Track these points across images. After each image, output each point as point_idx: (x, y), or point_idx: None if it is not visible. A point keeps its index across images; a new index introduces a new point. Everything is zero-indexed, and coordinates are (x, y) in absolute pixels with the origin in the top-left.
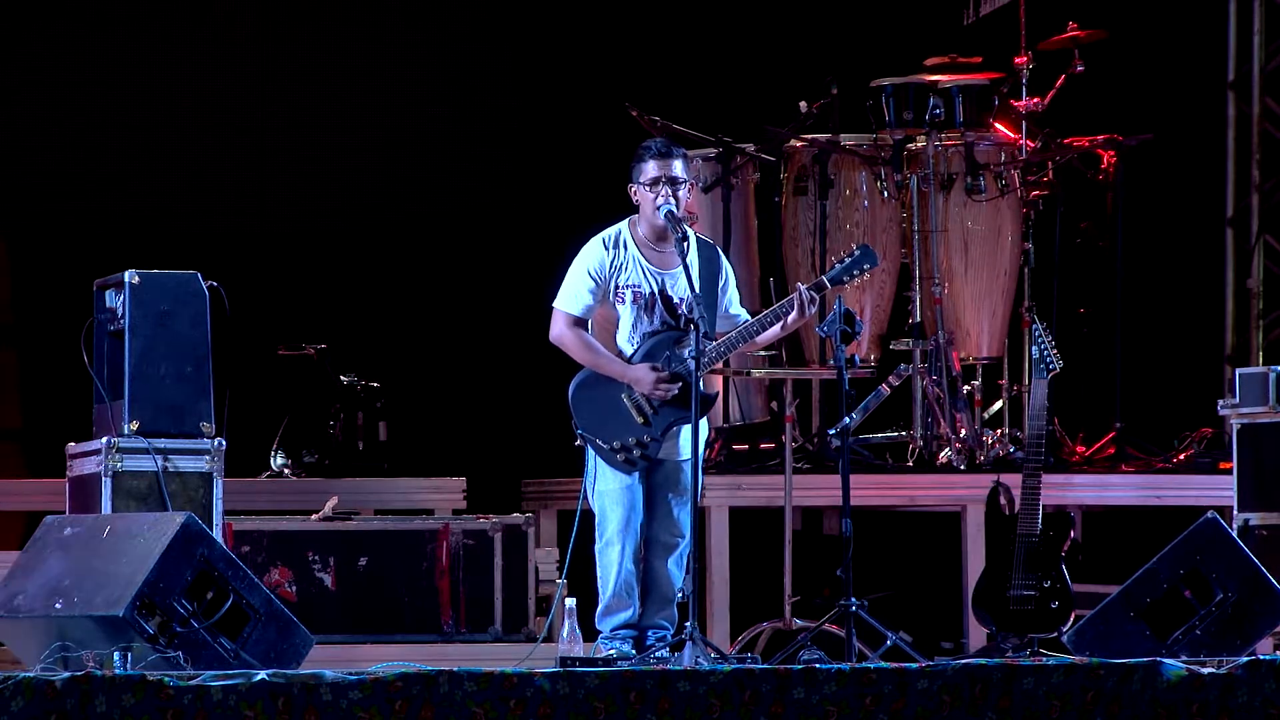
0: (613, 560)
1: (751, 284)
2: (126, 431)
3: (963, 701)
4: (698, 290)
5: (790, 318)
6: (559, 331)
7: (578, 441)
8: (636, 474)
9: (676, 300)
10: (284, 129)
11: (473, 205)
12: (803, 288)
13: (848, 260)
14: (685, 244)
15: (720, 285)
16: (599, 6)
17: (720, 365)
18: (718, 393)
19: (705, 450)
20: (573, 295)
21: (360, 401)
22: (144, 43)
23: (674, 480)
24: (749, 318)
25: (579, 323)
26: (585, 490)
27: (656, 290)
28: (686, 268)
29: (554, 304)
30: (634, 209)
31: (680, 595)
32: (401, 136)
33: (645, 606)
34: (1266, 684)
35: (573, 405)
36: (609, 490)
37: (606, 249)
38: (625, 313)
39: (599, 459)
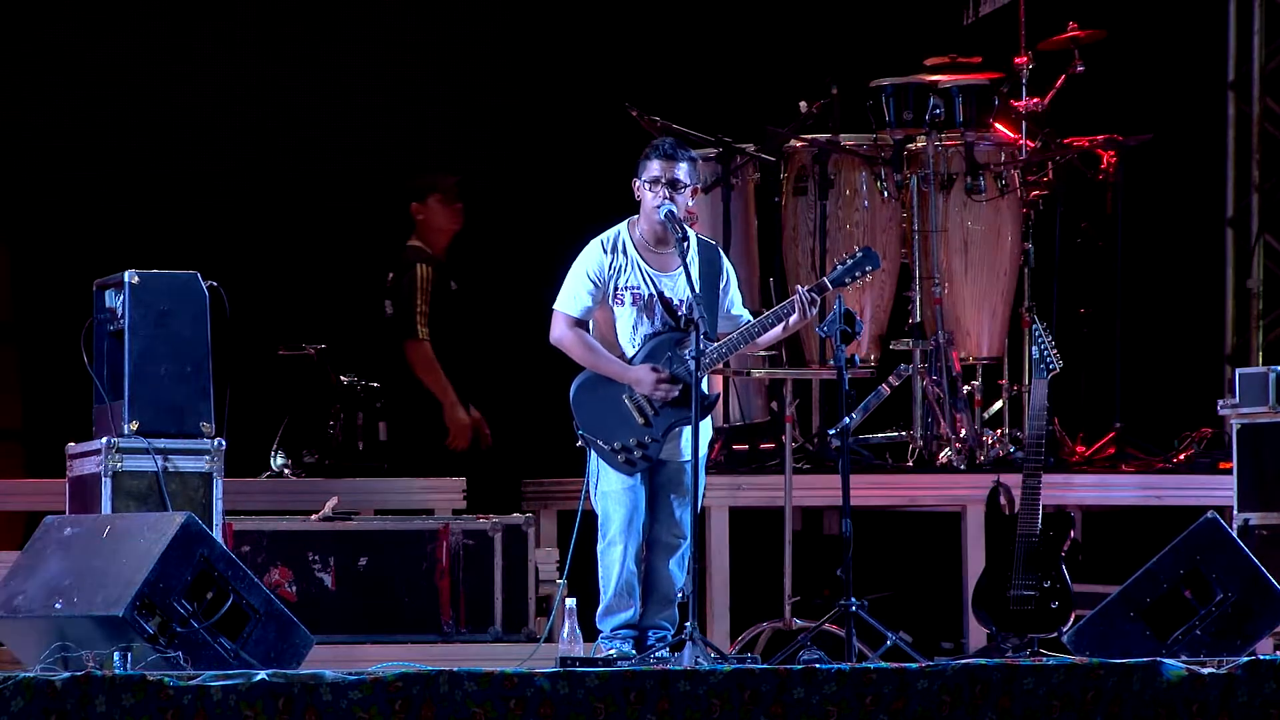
0: (614, 560)
1: (751, 284)
2: (126, 431)
3: (963, 702)
4: (698, 290)
5: (791, 319)
6: (559, 333)
7: (579, 443)
8: (639, 474)
9: (676, 302)
10: (284, 129)
11: (472, 206)
12: (803, 289)
13: (849, 262)
14: (685, 244)
15: (721, 286)
16: (599, 6)
17: (720, 365)
18: (719, 394)
19: (706, 450)
20: (572, 297)
21: (360, 401)
22: (144, 43)
23: (677, 481)
24: (751, 318)
25: (578, 324)
26: (587, 491)
27: (655, 292)
28: (686, 268)
29: (554, 306)
30: (636, 207)
31: (680, 595)
32: (402, 137)
33: (646, 607)
34: (1266, 684)
35: (574, 406)
36: (611, 491)
37: (605, 252)
38: (625, 314)
39: (600, 460)
